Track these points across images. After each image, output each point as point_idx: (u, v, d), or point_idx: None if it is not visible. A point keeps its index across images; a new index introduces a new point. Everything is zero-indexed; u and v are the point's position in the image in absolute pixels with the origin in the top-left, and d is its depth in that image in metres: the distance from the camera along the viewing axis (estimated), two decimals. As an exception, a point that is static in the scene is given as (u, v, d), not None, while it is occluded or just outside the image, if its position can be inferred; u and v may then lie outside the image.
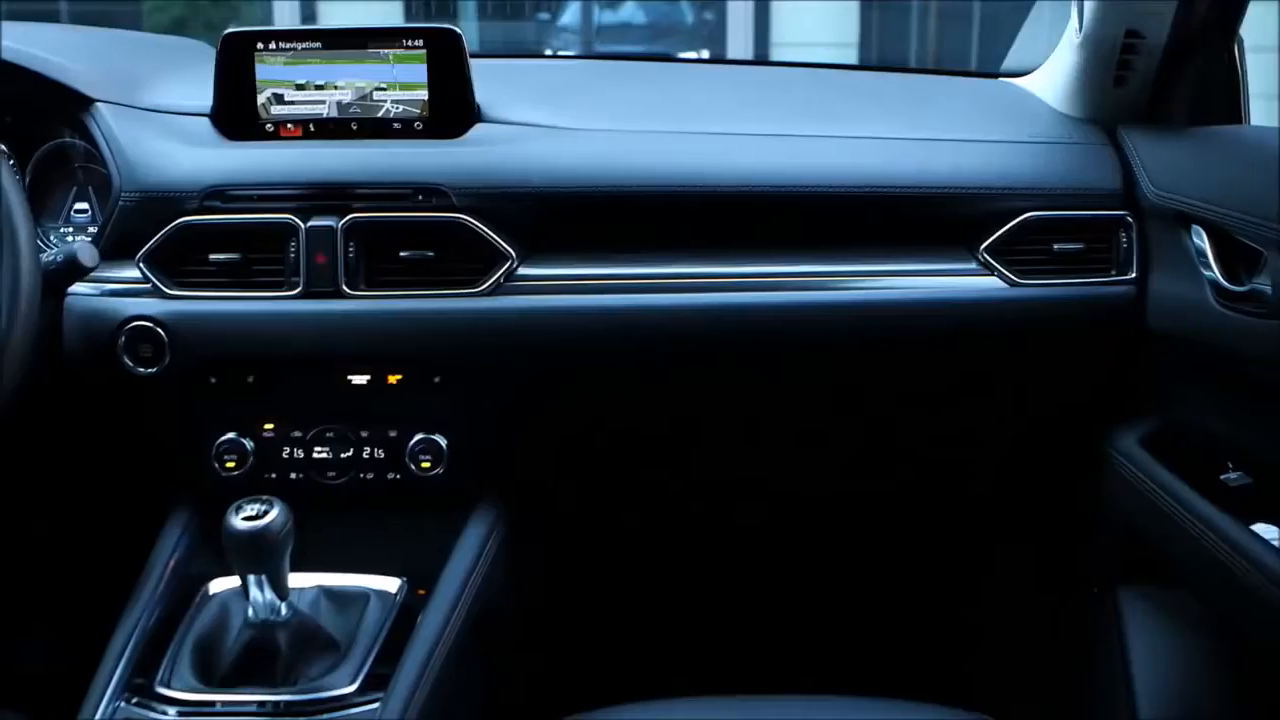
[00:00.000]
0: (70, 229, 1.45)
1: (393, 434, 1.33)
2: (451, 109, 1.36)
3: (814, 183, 1.33)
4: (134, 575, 1.30)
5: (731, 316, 1.32)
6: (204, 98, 1.41)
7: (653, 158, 1.34)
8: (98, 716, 1.10)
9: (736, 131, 1.38)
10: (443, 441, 1.32)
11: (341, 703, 1.11)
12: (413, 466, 1.32)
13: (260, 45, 1.36)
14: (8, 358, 1.14)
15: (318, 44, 1.36)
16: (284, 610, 1.14)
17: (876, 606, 1.70)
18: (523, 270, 1.30)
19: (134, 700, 1.12)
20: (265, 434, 1.33)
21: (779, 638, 1.67)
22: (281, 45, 1.37)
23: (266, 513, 1.09)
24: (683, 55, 7.39)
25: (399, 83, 1.37)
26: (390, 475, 1.33)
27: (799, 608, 1.69)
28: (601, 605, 1.61)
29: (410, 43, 1.36)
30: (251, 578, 1.12)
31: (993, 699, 1.19)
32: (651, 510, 1.55)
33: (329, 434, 1.33)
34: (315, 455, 1.34)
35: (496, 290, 1.30)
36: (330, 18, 6.41)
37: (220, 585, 1.26)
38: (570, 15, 8.70)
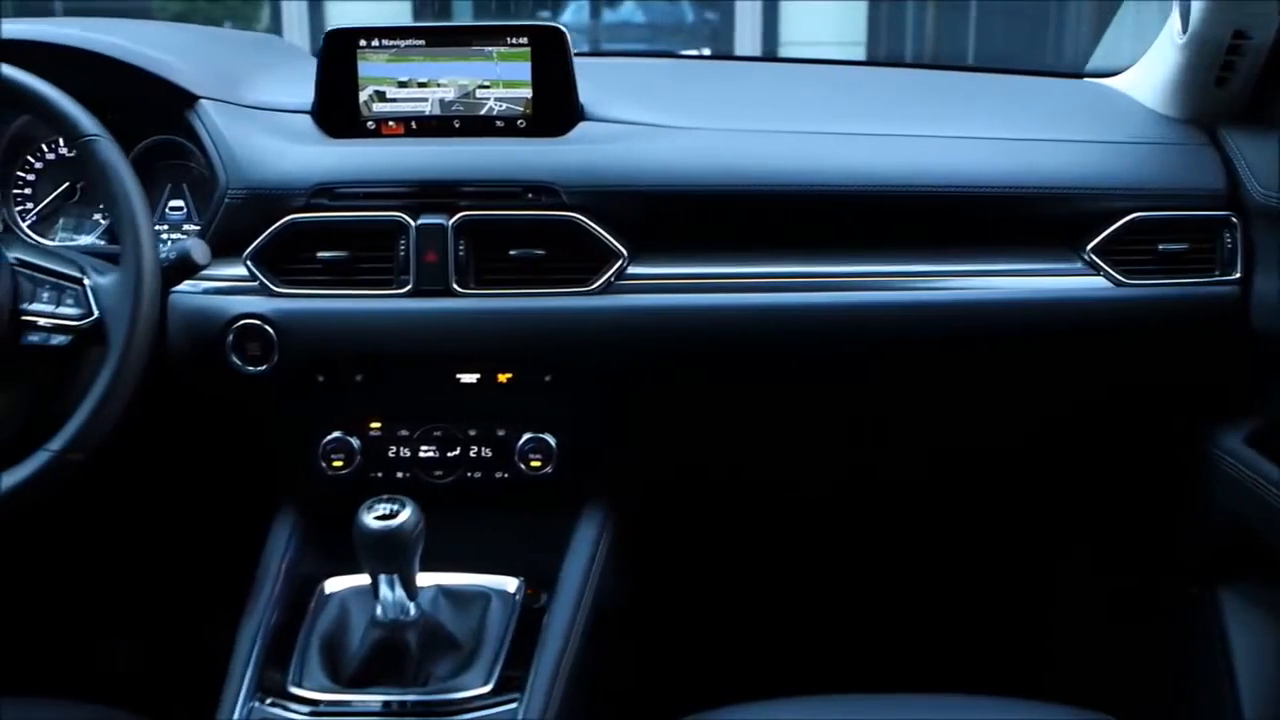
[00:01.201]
0: (165, 226, 1.44)
1: (501, 433, 1.32)
2: (555, 107, 1.35)
3: (921, 182, 1.33)
4: (239, 574, 1.29)
5: (839, 315, 1.32)
6: (299, 94, 1.40)
7: (760, 157, 1.33)
8: (236, 717, 1.09)
9: (838, 131, 1.38)
10: (552, 440, 1.31)
11: (477, 703, 1.11)
12: (522, 466, 1.32)
13: (363, 43, 1.35)
14: (131, 356, 1.13)
15: (421, 41, 1.36)
16: (412, 610, 1.13)
17: (977, 605, 1.70)
18: (632, 269, 1.30)
19: (268, 701, 1.12)
20: (372, 433, 1.33)
21: (878, 635, 1.67)
22: (384, 43, 1.36)
23: (398, 512, 1.09)
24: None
25: (502, 80, 1.36)
26: (498, 474, 1.33)
27: (899, 605, 1.70)
28: (703, 603, 1.61)
29: (514, 40, 1.35)
30: (383, 577, 1.11)
31: (1099, 698, 1.20)
32: (753, 508, 1.55)
33: (436, 433, 1.33)
34: (422, 454, 1.33)
35: (607, 289, 1.29)
36: (341, 17, 6.39)
37: (336, 585, 1.25)
38: (572, 14, 8.70)
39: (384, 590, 1.12)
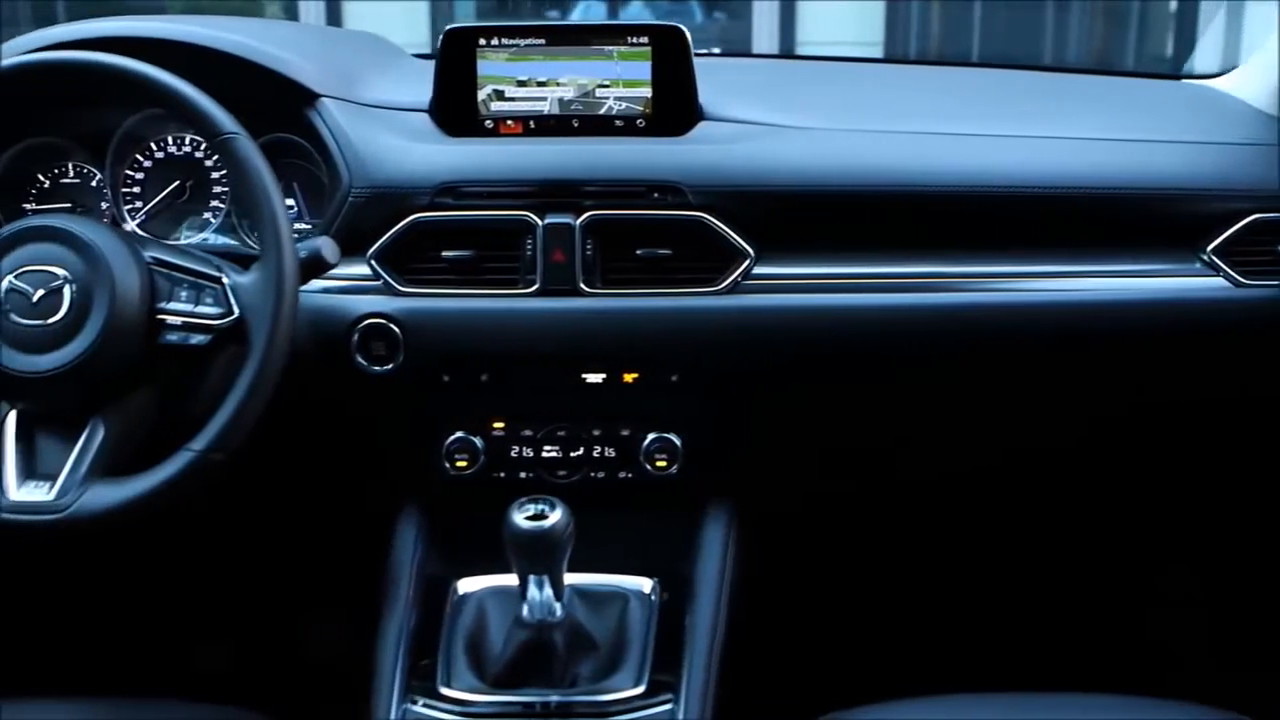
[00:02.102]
0: None
1: (625, 433, 1.32)
2: (676, 106, 1.35)
3: (1041, 182, 1.33)
4: (362, 575, 1.29)
5: (961, 315, 1.32)
6: (413, 93, 1.40)
7: (882, 157, 1.33)
8: (392, 718, 1.09)
9: (955, 132, 1.38)
10: (677, 440, 1.31)
11: (632, 705, 1.10)
12: (648, 466, 1.31)
13: (482, 41, 1.35)
14: (273, 355, 1.13)
15: (541, 40, 1.36)
16: (558, 611, 1.13)
17: (1096, 603, 1.70)
18: (758, 269, 1.30)
19: (420, 701, 1.11)
20: (495, 433, 1.32)
21: (1000, 633, 1.67)
22: (504, 41, 1.36)
23: (549, 512, 1.09)
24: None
25: (622, 80, 1.36)
26: (622, 474, 1.32)
27: (1017, 603, 1.70)
28: (828, 601, 1.61)
29: (635, 40, 1.35)
30: (531, 577, 1.11)
31: (1229, 697, 1.20)
32: (875, 508, 1.55)
33: (560, 433, 1.32)
34: (545, 454, 1.33)
35: (734, 289, 1.29)
36: (359, 15, 6.38)
37: (470, 585, 1.25)
38: (580, 14, 8.67)
39: (532, 590, 1.11)
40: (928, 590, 1.66)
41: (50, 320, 1.13)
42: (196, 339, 1.15)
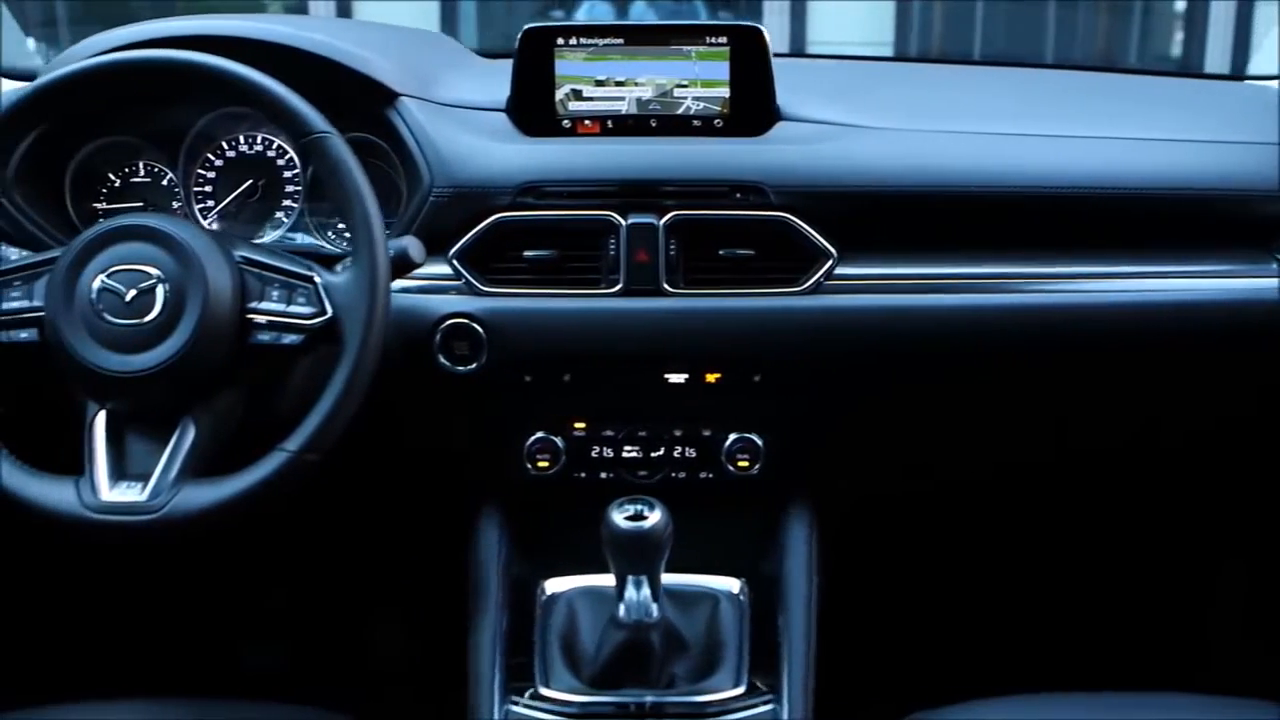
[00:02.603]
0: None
1: (707, 433, 1.32)
2: (754, 107, 1.35)
3: (1119, 184, 1.33)
4: (440, 574, 1.29)
5: (1043, 316, 1.32)
6: (487, 92, 1.40)
7: (961, 157, 1.34)
8: (496, 718, 1.09)
9: (1031, 133, 1.38)
10: (759, 441, 1.31)
11: (734, 705, 1.10)
12: (729, 467, 1.31)
13: (560, 41, 1.35)
14: (367, 355, 1.12)
15: (619, 40, 1.35)
16: (655, 612, 1.13)
17: (1175, 603, 1.71)
18: (840, 269, 1.30)
19: (520, 702, 1.11)
20: (576, 433, 1.32)
21: (1078, 631, 1.67)
22: (582, 41, 1.36)
23: (648, 513, 1.08)
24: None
25: (700, 79, 1.36)
26: (703, 475, 1.32)
27: (1097, 602, 1.70)
28: (905, 601, 1.61)
29: (714, 40, 1.35)
30: (630, 578, 1.11)
31: None
32: (949, 506, 1.55)
33: (641, 433, 1.32)
34: (625, 454, 1.33)
35: (816, 289, 1.29)
36: (369, 16, 6.37)
37: (557, 586, 1.25)
38: (586, 14, 8.67)
39: (630, 591, 1.11)
40: (1001, 588, 1.66)
41: (143, 320, 1.12)
42: (289, 339, 1.15)
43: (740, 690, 1.12)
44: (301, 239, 1.42)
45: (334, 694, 1.28)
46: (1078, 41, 7.83)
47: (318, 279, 1.15)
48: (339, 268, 1.21)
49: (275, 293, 1.16)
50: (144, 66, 1.16)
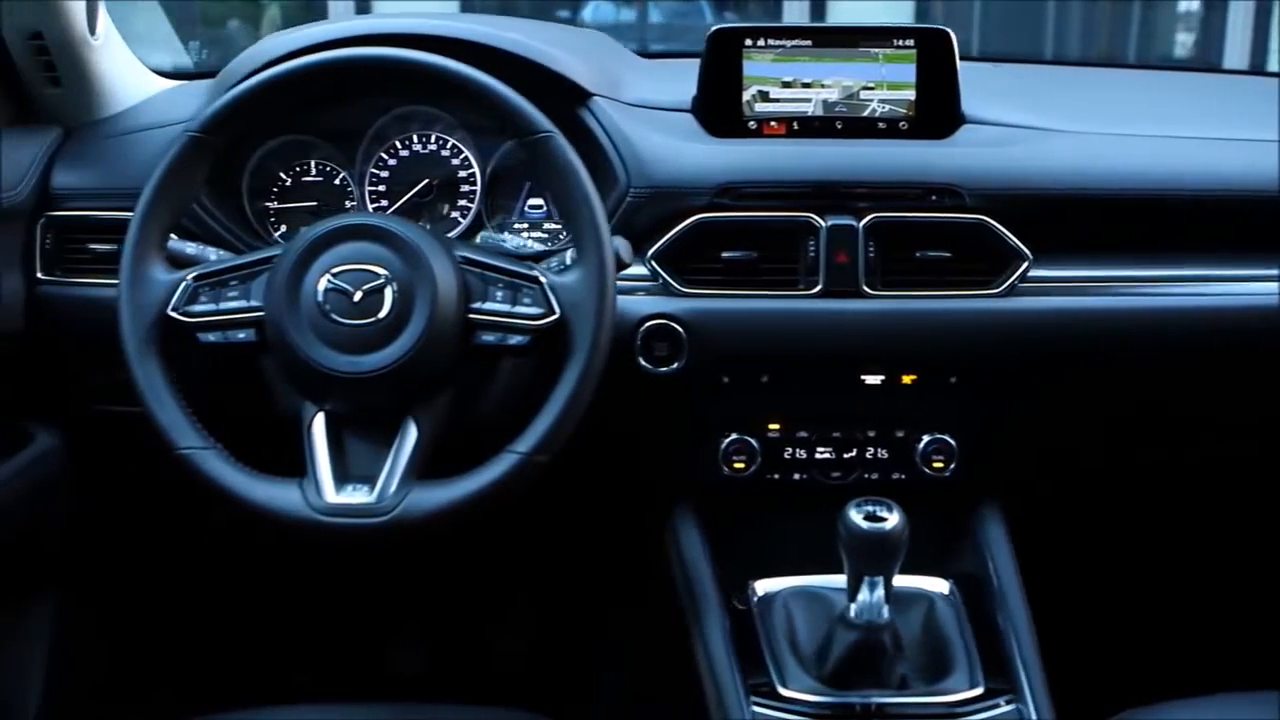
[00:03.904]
0: (525, 225, 1.43)
1: (900, 434, 1.32)
2: (939, 109, 1.36)
3: None
4: (635, 574, 1.28)
5: (1230, 316, 1.33)
6: (664, 92, 1.40)
7: (1145, 160, 1.34)
8: (745, 718, 1.09)
9: (1210, 136, 1.40)
10: (953, 442, 1.32)
11: (975, 707, 1.11)
12: (924, 468, 1.32)
13: (749, 42, 1.35)
14: (597, 356, 1.12)
15: (807, 42, 1.36)
16: (886, 613, 1.13)
17: None
18: (1034, 271, 1.30)
19: (760, 703, 1.11)
20: (771, 434, 1.32)
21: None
22: (770, 42, 1.36)
23: (886, 514, 1.09)
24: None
25: (887, 82, 1.36)
26: (895, 475, 1.33)
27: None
28: (1097, 598, 1.61)
29: (901, 42, 1.35)
30: (866, 579, 1.11)
31: None
32: (1133, 504, 1.56)
33: (835, 434, 1.32)
34: (818, 455, 1.33)
35: (1011, 291, 1.30)
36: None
37: (767, 586, 1.25)
38: (591, 14, 8.64)
39: (864, 592, 1.11)
40: (1187, 583, 1.66)
41: (372, 320, 1.11)
42: (514, 340, 1.14)
43: (979, 691, 1.12)
44: (482, 238, 1.42)
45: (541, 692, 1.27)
46: (1102, 40, 7.91)
47: (543, 279, 1.14)
48: (551, 266, 1.21)
49: (499, 293, 1.15)
50: (372, 64, 1.14)
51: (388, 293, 1.12)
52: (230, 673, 1.63)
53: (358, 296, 1.11)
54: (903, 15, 6.52)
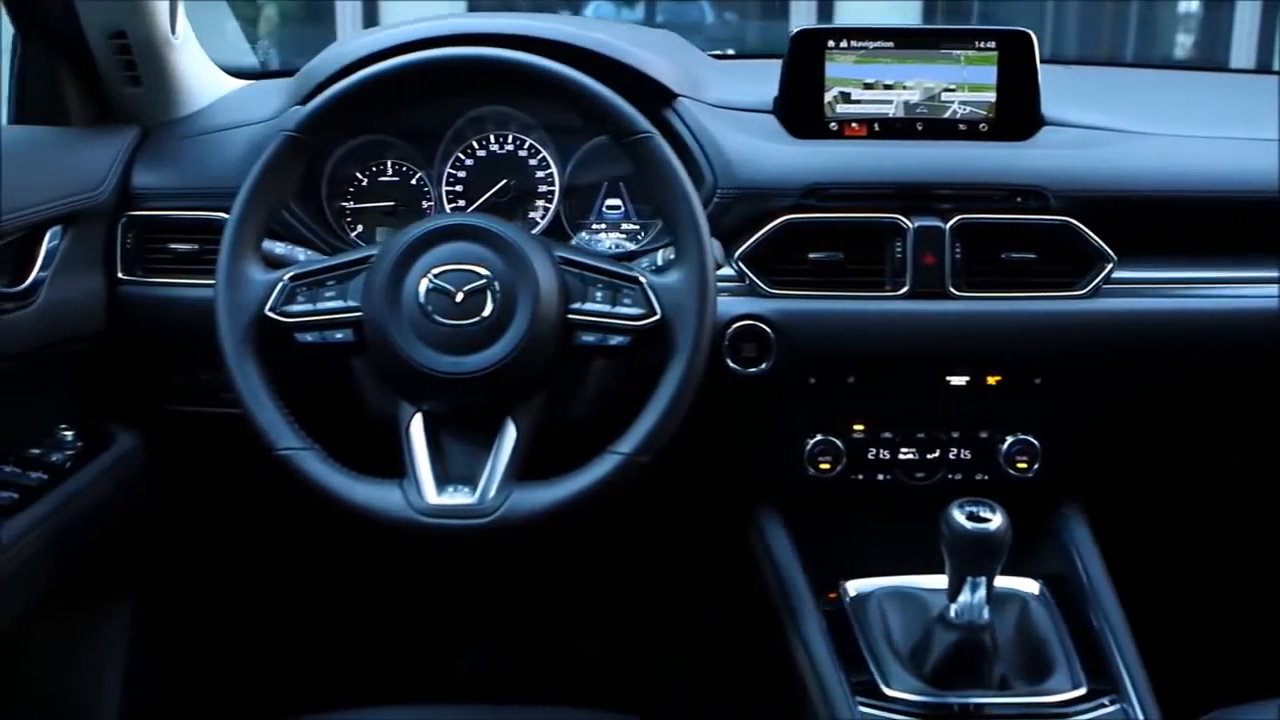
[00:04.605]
0: (603, 225, 1.43)
1: (984, 435, 1.33)
2: (1020, 111, 1.36)
3: None
4: (721, 573, 1.28)
5: None
6: (742, 92, 1.40)
7: (1225, 162, 1.35)
8: (855, 718, 1.09)
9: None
10: (1037, 443, 1.32)
11: (1080, 707, 1.11)
12: (1008, 469, 1.32)
13: (831, 44, 1.36)
14: (699, 357, 1.12)
15: (890, 43, 1.36)
16: (986, 614, 1.13)
17: None
18: (1118, 272, 1.31)
19: (867, 702, 1.11)
20: (855, 434, 1.32)
21: None
22: (853, 44, 1.36)
23: (989, 515, 1.09)
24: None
25: (968, 84, 1.37)
26: (978, 476, 1.33)
27: None
28: (1178, 598, 1.61)
29: (983, 44, 1.36)
30: (969, 579, 1.11)
31: None
32: (1214, 505, 1.56)
33: (919, 435, 1.33)
34: (902, 456, 1.33)
35: (1095, 292, 1.30)
36: (396, 15, 6.30)
37: (859, 587, 1.25)
38: (593, 13, 8.65)
39: (966, 592, 1.11)
40: (1269, 581, 1.67)
41: (474, 320, 1.11)
42: (615, 340, 1.14)
43: (1082, 691, 1.13)
44: (577, 239, 1.42)
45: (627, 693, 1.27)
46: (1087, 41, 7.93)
47: (643, 280, 1.14)
48: (644, 266, 1.21)
49: (599, 294, 1.15)
50: (472, 63, 1.14)
51: (490, 293, 1.12)
52: (302, 674, 1.63)
53: (460, 297, 1.11)
54: (910, 16, 6.53)
